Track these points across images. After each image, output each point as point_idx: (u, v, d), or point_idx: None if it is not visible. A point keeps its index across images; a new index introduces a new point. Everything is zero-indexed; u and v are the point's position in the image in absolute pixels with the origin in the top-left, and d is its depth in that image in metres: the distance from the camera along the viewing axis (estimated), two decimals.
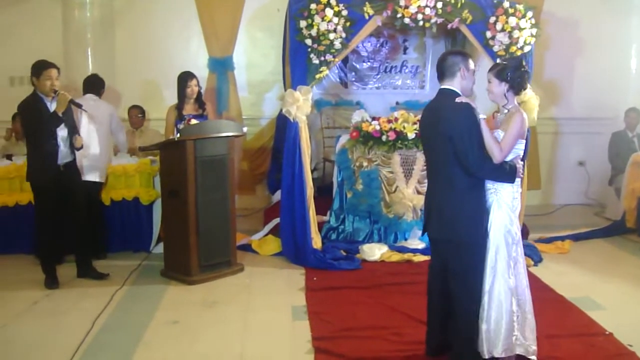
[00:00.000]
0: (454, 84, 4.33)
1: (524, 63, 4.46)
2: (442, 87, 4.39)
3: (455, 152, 4.17)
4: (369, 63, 10.05)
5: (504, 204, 4.34)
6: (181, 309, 5.70)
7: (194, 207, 6.26)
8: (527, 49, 7.15)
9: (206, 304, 5.84)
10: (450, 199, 4.29)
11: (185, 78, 7.09)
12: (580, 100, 10.11)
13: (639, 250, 7.65)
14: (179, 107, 7.10)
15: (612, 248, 7.83)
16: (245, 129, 6.84)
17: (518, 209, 4.43)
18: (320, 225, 7.45)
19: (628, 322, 5.42)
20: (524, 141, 4.41)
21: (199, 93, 7.20)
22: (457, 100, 4.22)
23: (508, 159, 4.29)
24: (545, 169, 10.11)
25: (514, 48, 7.06)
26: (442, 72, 4.38)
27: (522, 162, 4.41)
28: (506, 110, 4.42)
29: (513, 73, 4.35)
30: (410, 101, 9.93)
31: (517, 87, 4.41)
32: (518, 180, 4.37)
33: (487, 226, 4.33)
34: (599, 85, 9.96)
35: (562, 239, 7.90)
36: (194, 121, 6.86)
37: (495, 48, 7.07)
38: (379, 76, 10.13)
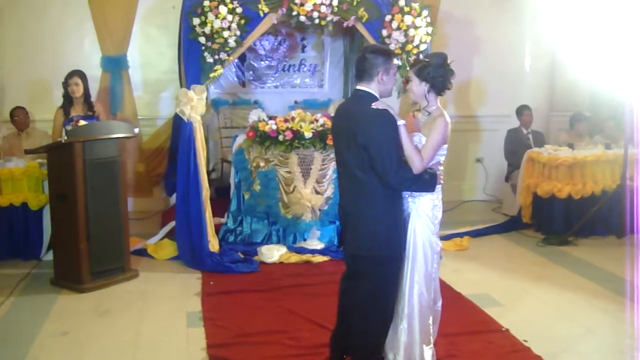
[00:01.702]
0: (371, 87, 4.04)
1: (447, 61, 4.20)
2: (358, 88, 4.09)
3: (370, 162, 3.92)
4: (267, 61, 9.96)
5: (424, 213, 4.15)
6: (71, 319, 5.48)
7: (83, 212, 6.04)
8: (423, 47, 7.21)
9: (97, 313, 5.63)
10: (366, 211, 4.03)
11: (66, 77, 6.86)
12: (477, 98, 10.31)
13: (535, 245, 7.82)
14: (65, 107, 6.85)
15: (510, 244, 7.98)
16: (136, 130, 6.65)
17: (439, 217, 4.27)
18: (217, 228, 7.35)
19: (524, 318, 5.52)
20: (446, 146, 4.21)
21: (87, 93, 6.97)
22: (374, 105, 3.95)
23: (430, 165, 4.09)
24: (445, 166, 10.03)
25: (410, 46, 7.10)
26: (359, 72, 4.09)
27: (442, 168, 4.22)
28: (428, 113, 4.23)
29: (435, 72, 4.12)
30: (309, 100, 9.91)
31: (439, 87, 4.17)
32: (438, 187, 4.17)
33: (404, 238, 4.15)
34: (495, 83, 10.14)
35: (461, 235, 8.00)
36: (82, 122, 6.62)
37: (392, 46, 7.09)
38: (277, 75, 10.06)
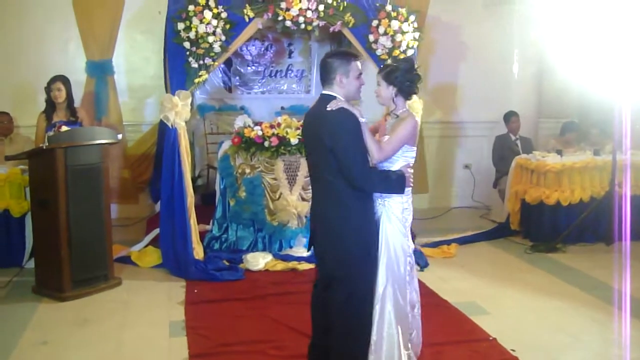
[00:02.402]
0: (333, 90, 4.07)
1: (415, 66, 4.29)
2: (323, 92, 4.13)
3: (338, 165, 3.93)
4: (253, 67, 9.95)
5: (394, 216, 4.17)
6: (51, 329, 5.39)
7: (65, 218, 5.96)
8: (410, 52, 7.18)
9: (79, 322, 5.54)
10: (335, 212, 4.03)
11: (49, 82, 6.80)
12: (464, 104, 10.30)
13: (523, 252, 7.78)
14: (48, 113, 6.78)
15: (497, 251, 7.95)
16: (120, 136, 6.58)
17: (409, 220, 4.28)
18: (202, 235, 7.30)
19: (512, 327, 5.47)
20: (415, 148, 4.28)
21: (70, 98, 6.91)
22: (328, 107, 3.95)
23: (396, 167, 4.14)
24: (432, 172, 10.22)
25: (397, 52, 7.06)
26: (322, 76, 4.15)
27: (411, 170, 4.24)
28: (396, 116, 4.27)
29: (402, 76, 4.18)
30: (295, 105, 9.88)
31: (406, 91, 4.23)
32: (408, 189, 4.20)
33: (376, 242, 4.15)
34: (483, 89, 10.12)
35: (448, 242, 7.97)
36: (64, 128, 6.54)
37: (379, 52, 7.07)
38: (264, 80, 10.05)
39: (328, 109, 3.93)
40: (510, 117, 9.48)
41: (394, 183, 4.07)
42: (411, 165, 4.23)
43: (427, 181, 9.96)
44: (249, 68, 9.94)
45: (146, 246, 7.44)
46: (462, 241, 8.12)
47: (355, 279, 4.06)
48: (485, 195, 10.22)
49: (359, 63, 4.12)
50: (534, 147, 9.48)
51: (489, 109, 10.13)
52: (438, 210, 10.01)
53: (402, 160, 4.18)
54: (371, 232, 4.14)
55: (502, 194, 9.06)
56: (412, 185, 4.21)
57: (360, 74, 4.13)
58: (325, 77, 4.09)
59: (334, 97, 4.02)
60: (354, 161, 3.90)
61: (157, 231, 7.31)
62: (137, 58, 9.22)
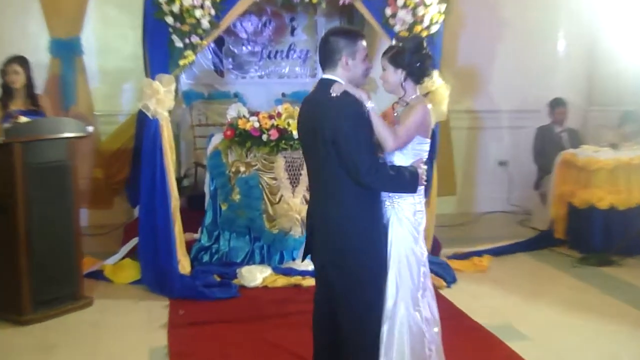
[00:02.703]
0: (336, 74, 4.08)
1: (424, 44, 4.30)
2: (323, 76, 4.15)
3: (340, 159, 3.96)
4: (249, 47, 10.00)
5: (405, 218, 4.18)
6: (10, 358, 5.40)
7: (24, 227, 5.97)
8: (435, 28, 7.15)
9: (42, 349, 5.54)
10: (337, 216, 4.06)
11: (4, 64, 6.82)
12: (500, 90, 10.29)
13: (570, 266, 7.77)
14: (3, 101, 6.78)
15: (539, 264, 7.94)
16: (90, 129, 6.57)
17: (423, 224, 4.29)
18: (189, 245, 7.32)
19: (555, 355, 5.46)
20: (429, 140, 4.29)
21: (29, 84, 6.91)
22: (332, 92, 3.96)
23: (408, 162, 4.16)
24: (461, 170, 10.23)
25: (418, 27, 7.03)
26: (322, 58, 4.17)
27: (425, 166, 4.25)
28: (406, 103, 4.28)
29: (411, 58, 4.19)
30: (299, 92, 9.86)
31: (416, 74, 4.25)
32: (421, 188, 4.21)
33: (385, 248, 4.17)
34: (523, 72, 10.15)
35: (480, 254, 7.97)
36: (23, 119, 6.52)
37: (397, 28, 7.04)
38: (261, 62, 10.10)
39: (333, 94, 3.95)
40: (556, 106, 9.48)
41: (407, 181, 4.09)
42: (423, 159, 4.26)
43: (454, 181, 9.96)
44: (243, 48, 9.98)
45: (122, 259, 7.45)
46: (497, 252, 8.12)
47: (362, 292, 4.09)
48: (525, 198, 10.23)
49: (365, 43, 4.15)
50: (583, 140, 9.45)
51: (529, 96, 10.16)
52: (468, 216, 10.03)
53: (413, 154, 4.20)
54: (379, 237, 4.15)
55: (545, 196, 9.06)
56: (425, 183, 4.23)
57: (367, 55, 4.18)
58: (328, 59, 4.10)
59: (336, 82, 4.05)
60: (358, 154, 3.91)
61: (135, 241, 7.31)
62: (111, 36, 9.23)
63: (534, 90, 10.06)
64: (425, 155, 4.28)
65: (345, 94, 3.96)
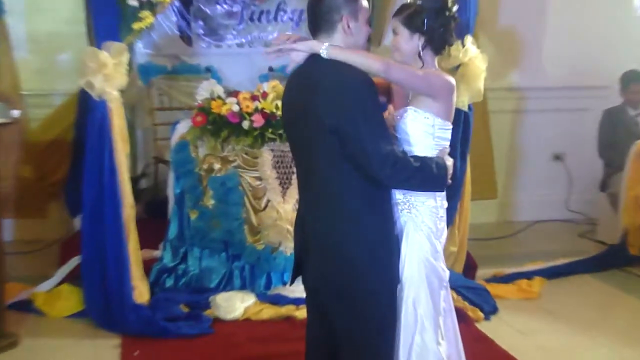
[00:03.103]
0: (334, 39, 4.05)
1: (449, 2, 4.29)
2: None
3: (344, 152, 3.93)
4: (225, 6, 9.99)
5: (425, 226, 4.20)
6: None
7: None
8: None
9: None
10: (337, 225, 4.04)
11: None
12: (555, 61, 10.29)
13: None
14: None
15: (608, 289, 7.98)
16: (16, 113, 6.60)
17: (445, 234, 4.33)
18: (148, 266, 7.34)
19: None
20: (451, 126, 4.29)
21: None
22: (322, 52, 3.94)
23: (430, 153, 4.16)
24: (504, 167, 10.24)
25: None
26: (314, 21, 4.13)
27: (451, 159, 4.28)
28: None
29: (432, 20, 4.20)
30: (274, 59, 9.84)
31: (437, 42, 4.27)
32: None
33: (398, 264, 4.17)
34: (585, 37, 10.15)
35: (530, 275, 8.00)
36: None
37: None
38: (241, 27, 10.16)
39: (323, 54, 3.95)
40: (630, 81, 9.47)
41: (435, 174, 4.09)
42: (448, 149, 4.28)
43: (494, 181, 9.95)
44: (218, 7, 10.02)
45: (59, 284, 7.43)
46: (552, 273, 8.14)
47: (369, 325, 4.10)
48: (588, 202, 10.29)
49: (367, 1, 4.19)
50: None
51: (595, 68, 10.16)
52: (512, 226, 10.06)
53: (435, 143, 4.22)
54: (391, 253, 4.15)
55: (616, 199, 9.08)
56: (450, 181, 4.23)
57: (369, 17, 4.21)
58: (323, 21, 4.08)
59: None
60: (373, 143, 3.88)
61: (76, 261, 7.34)
62: None
63: (600, 61, 10.08)
64: (447, 144, 4.30)
65: (344, 66, 3.93)
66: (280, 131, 7.17)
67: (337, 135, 3.88)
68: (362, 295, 4.05)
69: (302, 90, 4.07)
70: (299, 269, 4.35)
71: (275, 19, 10.14)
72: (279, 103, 7.05)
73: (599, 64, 10.07)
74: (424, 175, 4.04)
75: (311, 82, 3.99)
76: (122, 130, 6.88)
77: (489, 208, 9.91)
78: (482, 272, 7.86)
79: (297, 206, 7.01)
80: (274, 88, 7.37)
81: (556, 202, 10.50)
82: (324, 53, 3.92)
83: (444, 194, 4.25)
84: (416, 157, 4.08)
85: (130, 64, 6.89)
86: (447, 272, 4.36)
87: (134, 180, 8.21)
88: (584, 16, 10.06)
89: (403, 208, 4.20)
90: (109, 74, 6.63)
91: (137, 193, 7.41)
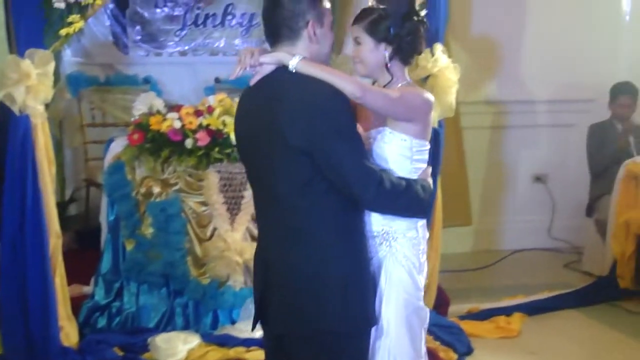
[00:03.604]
0: (297, 48, 4.00)
1: (416, 7, 4.36)
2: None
3: (313, 175, 3.87)
4: (166, 9, 10.00)
5: (406, 260, 4.18)
6: None
7: None
8: None
9: None
10: (303, 261, 3.98)
11: None
12: (536, 73, 10.36)
13: None
14: None
15: (596, 326, 7.99)
16: None
17: (426, 267, 4.31)
18: (77, 303, 7.28)
19: None
20: (428, 145, 4.28)
21: None
22: (292, 66, 3.91)
23: (413, 175, 4.14)
24: (479, 190, 10.27)
25: None
26: (274, 28, 4.07)
27: (431, 180, 4.28)
28: None
29: (399, 26, 4.17)
30: (240, 76, 9.83)
31: (406, 50, 4.24)
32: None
33: (373, 304, 4.13)
34: (568, 48, 10.23)
35: (508, 311, 8.02)
36: None
37: None
38: (184, 33, 10.20)
39: (253, 81, 3.98)
40: (618, 94, 9.49)
41: (421, 198, 4.08)
42: (429, 171, 4.29)
43: (469, 206, 9.98)
44: (157, 10, 10.04)
45: None
46: (533, 309, 8.17)
47: None
48: (573, 228, 10.31)
49: (329, 2, 4.15)
50: None
51: (579, 80, 10.22)
52: (489, 256, 10.07)
53: (414, 166, 4.19)
54: (367, 291, 4.10)
55: (603, 226, 9.11)
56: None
57: (332, 22, 4.16)
58: (283, 28, 4.03)
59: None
60: (353, 164, 3.85)
61: None
62: None
63: (586, 72, 10.15)
64: (428, 166, 4.30)
65: (311, 79, 3.87)
66: (228, 150, 7.16)
67: (308, 158, 3.82)
68: (333, 340, 4.01)
69: (263, 106, 3.98)
70: (261, 312, 4.24)
71: (223, 23, 10.19)
72: (227, 119, 7.12)
73: (584, 75, 10.16)
74: (410, 198, 4.04)
75: (274, 97, 3.93)
76: (48, 149, 6.79)
77: (462, 236, 9.93)
78: (456, 308, 7.87)
79: (248, 235, 7.11)
80: (221, 102, 7.35)
81: (538, 229, 10.57)
82: (292, 66, 3.86)
83: (424, 223, 4.25)
84: (401, 178, 4.07)
85: (57, 74, 6.85)
86: (427, 312, 4.36)
87: (62, 206, 8.17)
88: (567, 23, 10.16)
89: (381, 241, 4.18)
90: (33, 85, 6.54)
91: (65, 220, 7.34)
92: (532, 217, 10.54)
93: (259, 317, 4.26)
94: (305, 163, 3.84)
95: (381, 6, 4.27)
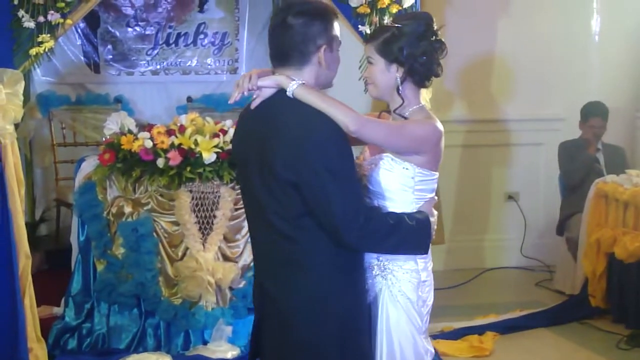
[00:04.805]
0: (303, 75, 3.91)
1: (434, 27, 4.18)
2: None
3: (306, 208, 3.80)
4: (137, 28, 10.01)
5: (402, 297, 4.07)
6: None
7: None
8: (408, 3, 7.18)
9: None
10: (300, 292, 3.90)
11: None
12: (507, 91, 10.39)
13: (614, 347, 7.79)
14: None
15: (568, 345, 7.99)
16: None
17: (430, 303, 4.21)
18: (47, 324, 7.24)
19: None
20: (437, 175, 4.20)
21: None
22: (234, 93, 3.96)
23: (409, 208, 4.04)
24: (451, 208, 10.26)
25: (385, 1, 7.05)
26: (283, 52, 3.97)
27: (436, 213, 4.18)
28: (402, 117, 4.14)
29: (413, 46, 4.05)
30: (212, 95, 10.07)
31: (420, 73, 4.12)
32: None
33: (368, 343, 4.06)
34: (537, 66, 10.25)
35: (481, 330, 8.02)
36: None
37: (354, 2, 7.05)
38: (156, 52, 10.22)
39: (232, 99, 3.99)
40: (589, 114, 9.47)
41: (414, 234, 3.97)
42: (435, 199, 4.19)
43: (441, 224, 9.91)
44: (129, 30, 10.05)
45: None
46: (505, 328, 8.15)
47: None
48: (545, 247, 10.34)
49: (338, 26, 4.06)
50: (630, 162, 9.54)
51: (550, 99, 10.27)
52: (462, 274, 10.07)
53: (415, 197, 4.09)
54: (362, 329, 4.03)
55: (574, 244, 9.12)
56: (433, 236, 4.09)
57: (339, 45, 4.07)
58: (296, 52, 3.94)
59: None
60: (341, 202, 3.75)
61: None
62: None
63: (557, 92, 10.19)
64: (434, 197, 4.19)
65: (311, 110, 3.78)
66: (200, 170, 7.15)
67: (297, 191, 3.76)
68: None
69: (258, 131, 3.94)
70: (258, 343, 4.20)
71: (195, 43, 10.17)
72: (199, 138, 7.07)
73: (554, 94, 10.20)
74: (401, 236, 3.91)
75: (270, 126, 3.88)
76: (17, 170, 6.75)
77: (435, 255, 9.68)
78: (430, 327, 7.78)
79: (219, 255, 7.10)
80: (192, 121, 7.34)
81: (510, 248, 10.58)
82: (290, 91, 3.79)
83: (429, 254, 4.12)
84: (391, 215, 3.95)
85: (26, 93, 6.81)
86: (432, 352, 4.26)
87: (32, 226, 8.13)
88: (537, 40, 10.15)
89: (377, 273, 4.08)
90: (2, 105, 6.51)
91: (35, 241, 7.30)
92: (505, 236, 10.57)
93: (256, 347, 4.21)
94: (294, 196, 3.77)
95: (397, 24, 4.11)
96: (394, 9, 7.06)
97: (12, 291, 6.62)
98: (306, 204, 3.76)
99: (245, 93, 3.95)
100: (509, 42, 10.17)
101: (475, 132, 10.33)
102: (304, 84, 3.82)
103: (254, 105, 3.96)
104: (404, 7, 7.13)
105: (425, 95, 7.09)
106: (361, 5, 7.06)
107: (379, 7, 7.04)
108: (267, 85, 3.87)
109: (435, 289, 8.37)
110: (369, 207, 3.90)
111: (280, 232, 3.88)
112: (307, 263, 3.87)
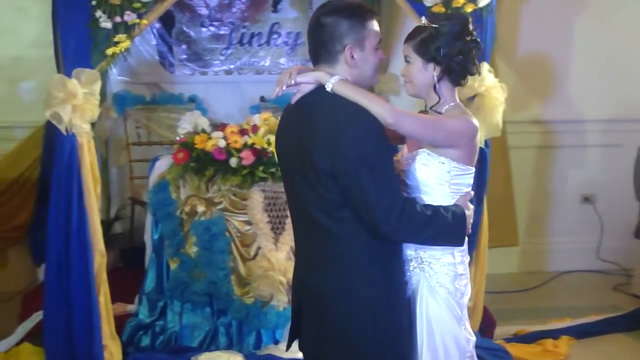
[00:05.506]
0: (336, 70, 4.02)
1: (470, 27, 4.27)
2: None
3: (343, 201, 3.89)
4: (212, 28, 10.05)
5: (441, 288, 4.16)
6: None
7: None
8: (484, 1, 7.18)
9: None
10: (336, 286, 4.00)
11: None
12: (584, 91, 10.25)
13: None
14: None
15: None
16: None
17: (467, 294, 4.28)
18: (121, 322, 7.33)
19: None
20: (473, 170, 4.26)
21: None
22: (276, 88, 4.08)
23: (445, 202, 4.12)
24: (526, 211, 10.21)
25: (459, 0, 7.08)
26: (315, 49, 4.12)
27: (472, 207, 4.24)
28: (438, 114, 4.24)
29: (450, 46, 4.16)
30: (285, 95, 9.74)
31: (456, 72, 4.23)
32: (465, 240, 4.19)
33: (408, 333, 4.12)
34: (618, 66, 10.13)
35: (556, 334, 7.95)
36: None
37: (429, 1, 7.07)
38: (230, 52, 10.17)
39: (274, 95, 4.10)
40: None
41: (449, 226, 4.04)
42: (470, 194, 4.26)
43: (516, 227, 9.89)
44: (203, 30, 10.06)
45: (19, 343, 7.42)
46: (581, 332, 8.09)
47: None
48: (622, 250, 10.22)
49: (377, 25, 4.11)
50: None
51: (630, 99, 10.15)
52: (536, 278, 10.00)
53: (450, 191, 4.18)
54: (401, 319, 4.09)
55: None
56: (470, 231, 4.17)
57: (380, 41, 4.13)
58: (322, 50, 4.07)
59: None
60: (376, 194, 3.81)
61: (39, 316, 7.30)
62: (5, 9, 9.26)
63: (636, 91, 10.09)
64: (468, 190, 4.26)
65: (350, 104, 3.88)
66: (273, 169, 7.18)
67: (335, 182, 3.84)
68: None
69: (299, 126, 4.04)
70: (297, 331, 4.29)
71: (268, 42, 10.15)
72: (272, 138, 7.09)
73: (635, 94, 10.06)
74: (437, 227, 3.99)
75: (309, 119, 3.97)
76: (93, 168, 6.81)
77: (509, 257, 9.87)
78: (502, 330, 7.81)
79: (292, 254, 7.10)
80: (265, 121, 7.38)
81: (586, 251, 10.44)
82: (329, 87, 3.89)
83: (464, 247, 4.19)
84: (427, 206, 4.02)
85: (103, 93, 6.86)
86: (473, 339, 4.32)
87: (107, 225, 8.19)
88: (618, 40, 10.03)
89: (415, 265, 4.17)
90: (79, 104, 6.57)
91: (109, 239, 7.35)
92: (580, 238, 10.42)
93: (295, 337, 4.32)
94: (333, 188, 3.85)
95: (434, 25, 4.22)
96: (469, 8, 7.01)
97: (88, 289, 6.71)
98: (344, 195, 3.83)
99: (285, 88, 4.06)
100: (587, 41, 10.04)
101: (551, 133, 10.23)
102: (342, 79, 3.93)
103: (294, 100, 4.09)
104: (479, 6, 7.13)
105: (498, 95, 7.15)
106: (436, 4, 7.04)
107: (453, 6, 7.03)
108: (306, 81, 3.99)
109: (508, 292, 8.49)
110: (405, 199, 3.95)
111: (319, 224, 3.97)
112: (343, 255, 3.96)
